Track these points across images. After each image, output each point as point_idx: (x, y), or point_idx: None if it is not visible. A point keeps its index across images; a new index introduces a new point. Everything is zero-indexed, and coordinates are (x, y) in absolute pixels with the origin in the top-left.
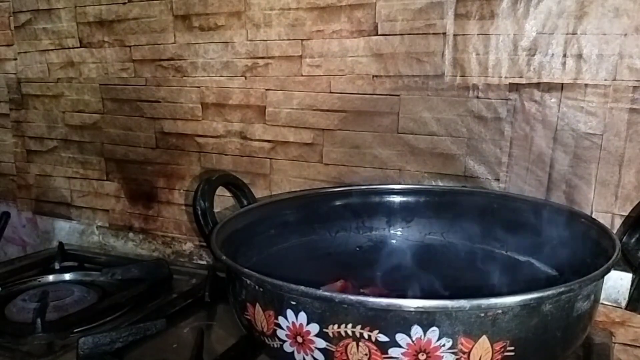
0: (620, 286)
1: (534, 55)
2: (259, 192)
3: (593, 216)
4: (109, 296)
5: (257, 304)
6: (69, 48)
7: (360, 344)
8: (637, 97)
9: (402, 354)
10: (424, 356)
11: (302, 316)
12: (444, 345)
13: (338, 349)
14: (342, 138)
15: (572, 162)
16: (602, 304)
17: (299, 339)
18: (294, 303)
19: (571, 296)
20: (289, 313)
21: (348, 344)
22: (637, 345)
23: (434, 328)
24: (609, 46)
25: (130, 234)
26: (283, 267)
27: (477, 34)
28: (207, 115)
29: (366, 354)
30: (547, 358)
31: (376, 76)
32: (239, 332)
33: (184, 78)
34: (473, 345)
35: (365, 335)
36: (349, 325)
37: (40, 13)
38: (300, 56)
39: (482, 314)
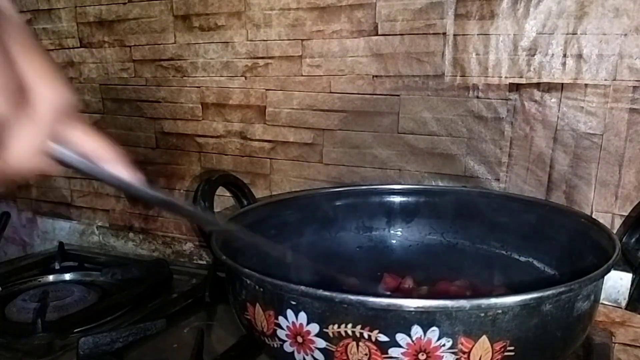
0: (620, 286)
1: (534, 55)
2: (259, 192)
3: (593, 216)
4: (109, 296)
5: (257, 304)
6: (69, 48)
7: (360, 343)
8: (637, 97)
9: (402, 353)
10: (424, 356)
11: (302, 316)
12: (444, 345)
13: (338, 349)
14: (342, 138)
15: (572, 162)
16: (602, 304)
17: (299, 339)
18: (294, 303)
19: (571, 296)
20: (289, 313)
21: (348, 343)
22: (637, 345)
23: (434, 328)
24: (609, 46)
25: (130, 234)
26: (283, 267)
27: (477, 34)
28: (207, 115)
29: (366, 354)
30: (547, 358)
31: (376, 76)
32: (239, 332)
33: (184, 78)
34: (473, 345)
35: (365, 335)
36: (349, 325)
37: (40, 13)
38: (300, 56)
39: (482, 314)
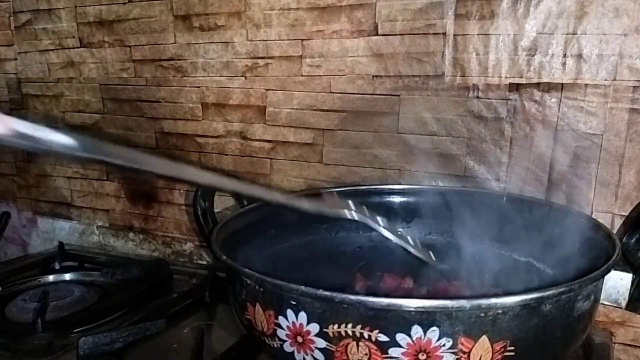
0: (620, 286)
1: (534, 55)
2: None
3: (593, 216)
4: (109, 296)
5: (257, 304)
6: (69, 48)
7: (361, 343)
8: (637, 97)
9: (402, 353)
10: (424, 356)
11: (302, 316)
12: (444, 345)
13: (338, 349)
14: (342, 138)
15: (572, 162)
16: (602, 304)
17: (299, 339)
18: (294, 303)
19: (571, 296)
20: (289, 313)
21: (348, 343)
22: (637, 345)
23: (434, 328)
24: (609, 46)
25: (130, 234)
26: (283, 267)
27: (477, 34)
28: (207, 115)
29: (366, 354)
30: (547, 358)
31: (376, 76)
32: (239, 332)
33: (184, 78)
34: (473, 345)
35: (366, 335)
36: (349, 325)
37: (40, 13)
38: (301, 56)
39: (482, 314)
